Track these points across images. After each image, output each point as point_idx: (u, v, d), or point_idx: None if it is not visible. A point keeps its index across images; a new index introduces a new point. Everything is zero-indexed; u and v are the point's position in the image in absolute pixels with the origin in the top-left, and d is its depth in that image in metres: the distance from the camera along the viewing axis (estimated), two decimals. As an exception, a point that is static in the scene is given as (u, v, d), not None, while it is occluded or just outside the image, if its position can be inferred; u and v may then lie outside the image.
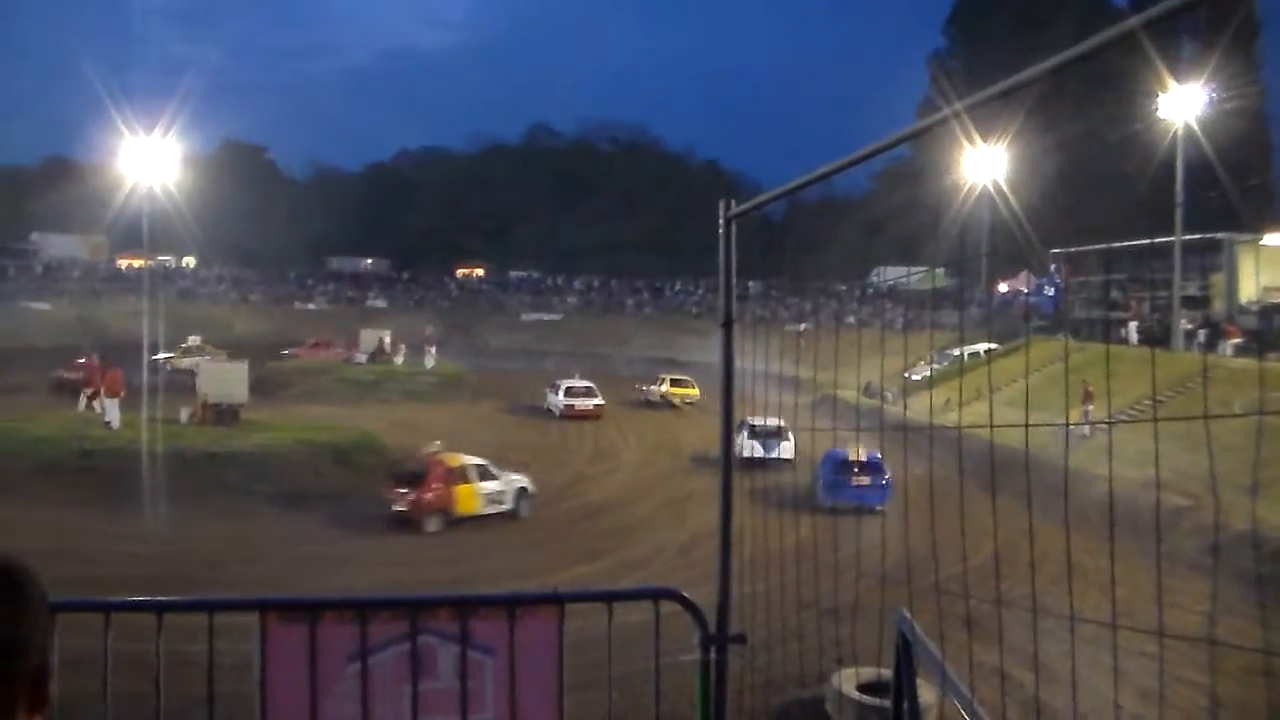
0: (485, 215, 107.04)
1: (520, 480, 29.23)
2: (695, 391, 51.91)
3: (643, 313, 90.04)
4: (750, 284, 76.12)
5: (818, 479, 28.10)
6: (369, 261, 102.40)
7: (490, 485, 28.10)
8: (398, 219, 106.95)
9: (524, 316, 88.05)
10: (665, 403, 52.08)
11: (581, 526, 27.84)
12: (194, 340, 54.97)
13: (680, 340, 69.80)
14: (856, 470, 27.09)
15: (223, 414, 35.70)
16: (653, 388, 53.75)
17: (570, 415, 46.21)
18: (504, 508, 28.09)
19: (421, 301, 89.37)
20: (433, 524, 26.61)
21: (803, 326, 42.11)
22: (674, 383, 53.64)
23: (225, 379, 37.79)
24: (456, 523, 26.97)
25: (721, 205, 4.24)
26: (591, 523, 28.28)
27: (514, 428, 43.90)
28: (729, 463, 4.35)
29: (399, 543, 25.51)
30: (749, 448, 26.47)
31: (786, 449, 30.18)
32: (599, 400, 48.07)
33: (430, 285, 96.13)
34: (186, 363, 51.37)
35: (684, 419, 47.91)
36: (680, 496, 30.18)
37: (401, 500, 26.73)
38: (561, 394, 48.08)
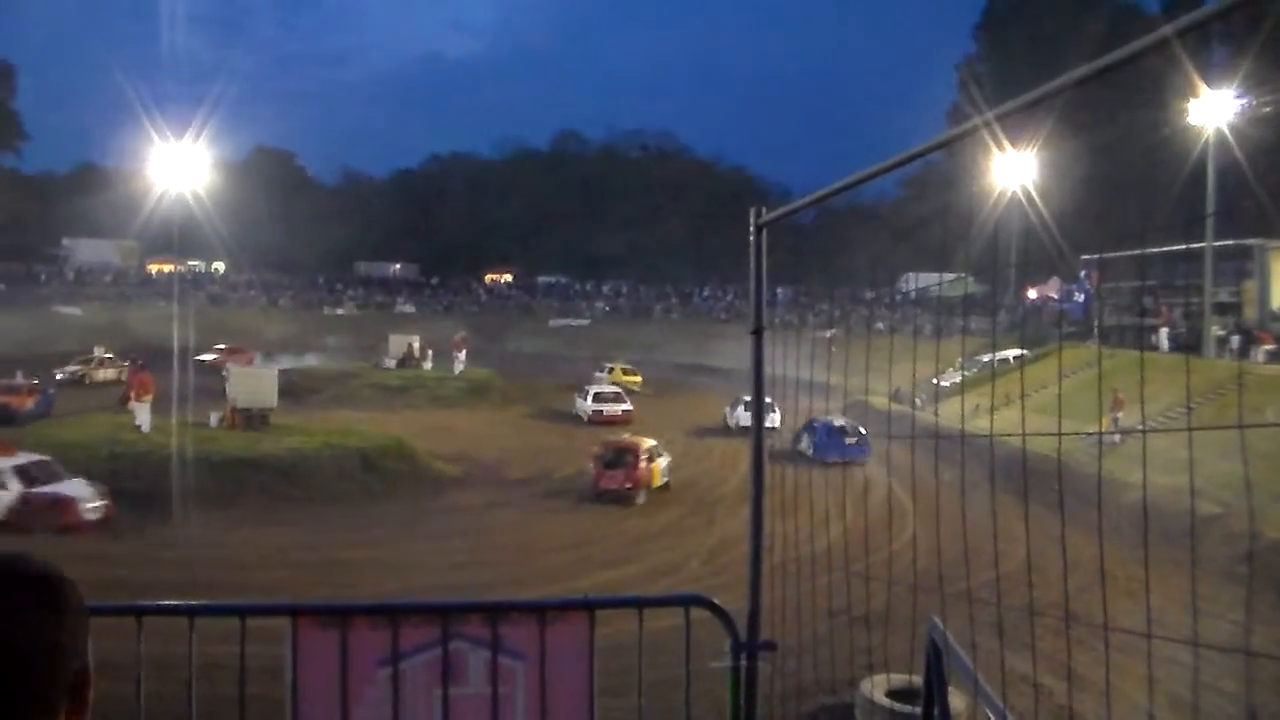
0: (513, 221, 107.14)
1: (669, 456, 34.30)
2: (639, 378, 61.34)
3: (670, 318, 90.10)
4: (779, 290, 76.05)
5: (804, 440, 35.16)
6: (397, 267, 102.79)
7: (663, 462, 33.21)
8: (426, 225, 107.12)
9: (552, 322, 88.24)
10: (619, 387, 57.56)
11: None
12: (99, 351, 55.14)
13: (708, 345, 69.70)
14: (846, 434, 35.20)
15: (252, 418, 35.89)
16: (602, 375, 59.60)
17: (599, 421, 46.28)
18: (667, 479, 32.93)
19: (450, 307, 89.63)
20: (641, 497, 31.01)
21: (830, 332, 42.08)
22: (624, 371, 61.93)
23: (255, 384, 37.96)
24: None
25: (752, 213, 4.15)
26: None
27: (543, 433, 44.00)
28: (760, 477, 4.29)
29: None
30: (744, 418, 33.69)
31: (773, 419, 31.97)
32: (627, 406, 48.37)
33: (458, 291, 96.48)
34: (101, 375, 51.89)
35: (657, 402, 53.97)
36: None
37: (616, 480, 31.11)
38: (590, 399, 48.46)
